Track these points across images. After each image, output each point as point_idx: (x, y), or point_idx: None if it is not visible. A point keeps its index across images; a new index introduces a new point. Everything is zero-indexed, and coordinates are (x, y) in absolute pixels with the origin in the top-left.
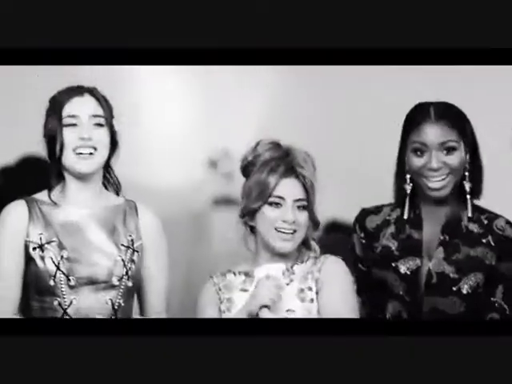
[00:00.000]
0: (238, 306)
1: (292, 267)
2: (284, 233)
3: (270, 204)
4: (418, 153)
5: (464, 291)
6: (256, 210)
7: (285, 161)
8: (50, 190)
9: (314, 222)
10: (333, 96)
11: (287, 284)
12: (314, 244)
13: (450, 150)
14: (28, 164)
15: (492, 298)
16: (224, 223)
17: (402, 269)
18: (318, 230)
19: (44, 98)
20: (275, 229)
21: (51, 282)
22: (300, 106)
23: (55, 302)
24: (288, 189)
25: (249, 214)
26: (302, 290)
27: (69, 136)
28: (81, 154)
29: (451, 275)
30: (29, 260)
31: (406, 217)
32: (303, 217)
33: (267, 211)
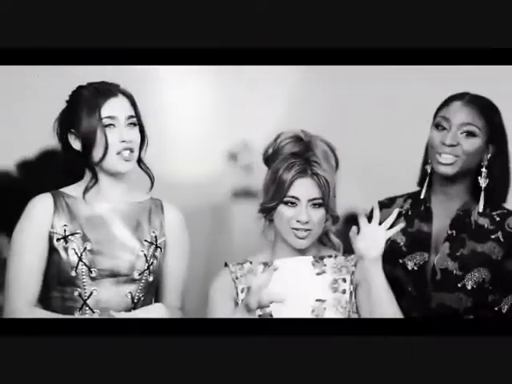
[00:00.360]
0: None
1: (322, 259)
2: (299, 232)
3: (286, 203)
4: (440, 127)
5: (469, 287)
6: (273, 208)
7: (302, 158)
8: (86, 190)
9: (332, 217)
10: (351, 92)
11: (318, 274)
12: (333, 238)
13: (469, 134)
14: (47, 158)
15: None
16: (244, 215)
17: (410, 265)
18: (338, 224)
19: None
20: (291, 227)
21: (73, 273)
22: (319, 100)
23: (76, 293)
24: (302, 189)
25: (267, 211)
26: (335, 281)
27: (109, 138)
28: (121, 155)
29: (455, 272)
30: (52, 251)
31: (422, 196)
32: (318, 215)
33: (283, 210)
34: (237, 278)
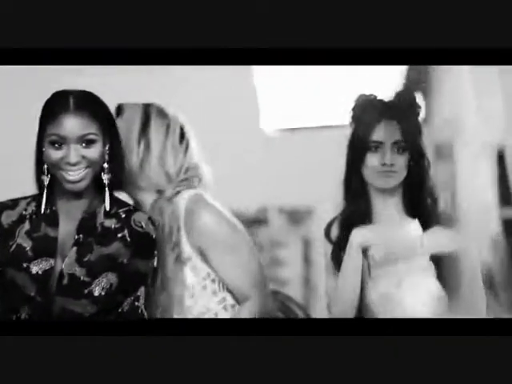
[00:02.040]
0: None
1: None
2: None
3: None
4: (56, 145)
5: (96, 293)
6: None
7: None
8: None
9: None
10: None
11: None
12: None
13: (89, 143)
14: None
15: (136, 303)
16: None
17: (34, 269)
18: None
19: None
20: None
21: None
22: None
23: None
24: None
25: None
26: None
27: None
28: None
29: (82, 278)
30: None
31: (42, 211)
32: None
33: None
34: None
